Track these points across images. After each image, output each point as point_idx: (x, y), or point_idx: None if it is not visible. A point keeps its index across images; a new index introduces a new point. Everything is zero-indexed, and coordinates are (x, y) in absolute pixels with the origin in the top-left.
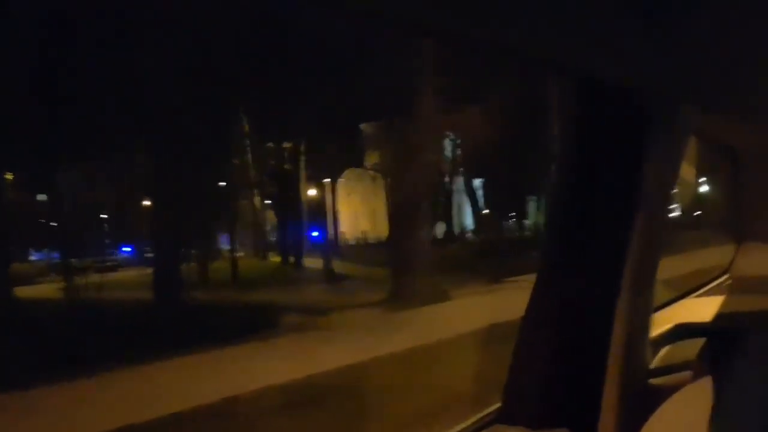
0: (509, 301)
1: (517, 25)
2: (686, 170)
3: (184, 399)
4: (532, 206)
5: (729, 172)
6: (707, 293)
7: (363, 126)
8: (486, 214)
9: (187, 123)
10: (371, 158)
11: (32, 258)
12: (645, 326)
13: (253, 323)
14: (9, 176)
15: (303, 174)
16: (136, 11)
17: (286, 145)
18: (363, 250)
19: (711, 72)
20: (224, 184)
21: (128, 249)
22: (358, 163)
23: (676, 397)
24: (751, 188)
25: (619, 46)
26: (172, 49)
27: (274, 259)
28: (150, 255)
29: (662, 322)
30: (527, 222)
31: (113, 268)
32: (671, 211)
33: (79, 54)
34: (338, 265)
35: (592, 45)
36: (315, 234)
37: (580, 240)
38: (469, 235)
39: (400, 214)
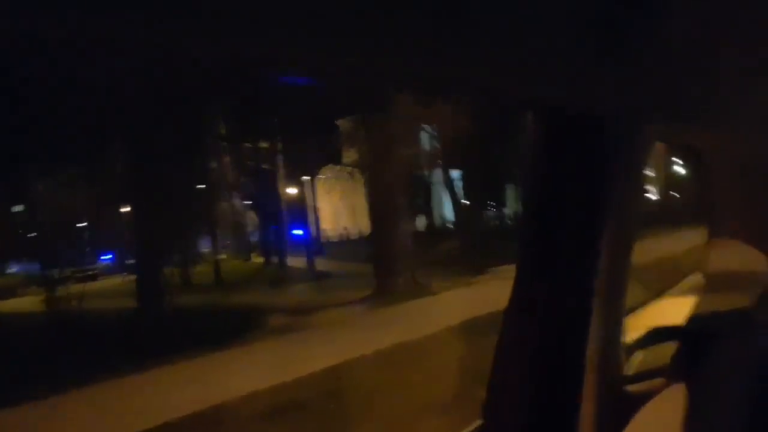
0: (490, 293)
1: (478, 66)
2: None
3: (172, 409)
4: (510, 194)
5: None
6: (680, 292)
7: (339, 122)
8: (465, 204)
9: (161, 126)
10: (349, 154)
11: (12, 270)
12: (619, 333)
13: (238, 326)
14: None
15: (281, 173)
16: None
17: (263, 144)
18: (345, 246)
19: (666, 89)
20: (203, 186)
21: (108, 257)
22: (337, 160)
23: (650, 404)
24: (718, 184)
25: (575, 78)
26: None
27: (257, 259)
28: (131, 262)
29: (637, 325)
30: (506, 210)
31: (94, 277)
32: (640, 215)
33: (52, 59)
34: (321, 263)
35: (550, 81)
36: (298, 233)
37: (549, 256)
38: (449, 226)
39: (379, 209)
